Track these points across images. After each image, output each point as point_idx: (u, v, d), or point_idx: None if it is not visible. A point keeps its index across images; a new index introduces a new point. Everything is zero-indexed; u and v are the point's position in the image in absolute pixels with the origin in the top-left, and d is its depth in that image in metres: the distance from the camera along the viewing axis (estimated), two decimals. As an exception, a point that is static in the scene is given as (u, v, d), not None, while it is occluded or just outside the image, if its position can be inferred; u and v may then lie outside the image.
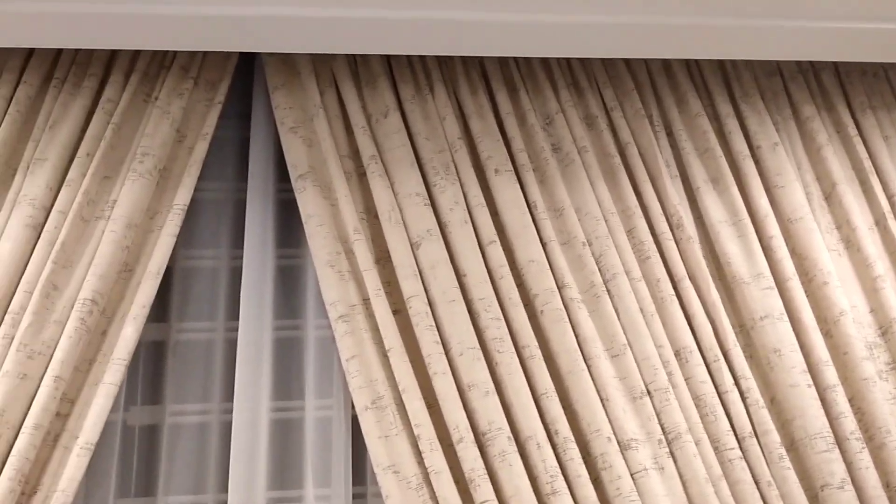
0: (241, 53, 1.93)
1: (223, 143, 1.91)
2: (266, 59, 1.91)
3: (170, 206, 1.71)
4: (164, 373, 1.68)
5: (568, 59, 2.02)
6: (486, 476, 1.49)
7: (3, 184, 1.68)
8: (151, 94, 1.82)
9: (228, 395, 1.65)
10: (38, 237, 1.62)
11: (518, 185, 1.80)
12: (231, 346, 1.70)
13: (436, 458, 1.50)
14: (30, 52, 1.82)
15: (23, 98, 1.75)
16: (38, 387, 1.48)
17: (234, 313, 1.73)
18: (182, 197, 1.71)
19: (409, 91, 1.89)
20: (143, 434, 1.62)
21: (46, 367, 1.50)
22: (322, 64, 1.91)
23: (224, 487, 1.58)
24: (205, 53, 1.88)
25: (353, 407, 1.62)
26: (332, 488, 1.58)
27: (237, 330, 1.70)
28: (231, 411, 1.63)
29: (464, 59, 1.97)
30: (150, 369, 1.68)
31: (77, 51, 1.84)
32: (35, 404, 1.46)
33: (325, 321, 1.71)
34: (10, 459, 1.41)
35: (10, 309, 1.53)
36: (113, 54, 1.85)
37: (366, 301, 1.66)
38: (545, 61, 2.01)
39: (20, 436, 1.43)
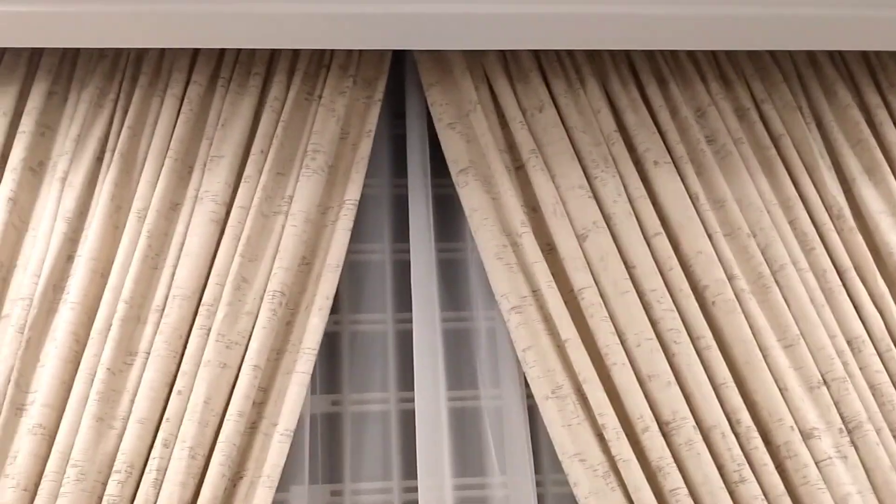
0: (393, 51, 1.98)
1: (375, 139, 1.96)
2: (419, 56, 1.97)
3: (341, 201, 1.77)
4: (340, 363, 1.73)
5: (714, 52, 2.05)
6: (674, 464, 1.53)
7: (182, 180, 1.75)
8: (314, 93, 1.88)
9: (403, 384, 1.71)
10: (222, 232, 1.68)
11: (678, 177, 1.83)
12: (400, 336, 1.76)
13: (623, 447, 1.54)
14: (195, 52, 1.89)
15: (194, 97, 1.82)
16: (237, 375, 1.55)
17: (401, 305, 1.79)
18: (352, 192, 1.77)
19: (562, 86, 1.93)
20: (323, 422, 1.68)
21: (243, 357, 1.56)
22: (473, 60, 1.96)
23: (407, 473, 1.63)
24: (360, 52, 1.94)
25: (527, 396, 1.67)
26: (509, 476, 1.63)
27: (406, 321, 1.76)
28: (407, 400, 1.69)
29: (612, 53, 2.01)
30: (325, 359, 1.73)
31: (239, 51, 1.91)
32: (236, 392, 1.52)
33: (491, 312, 1.77)
34: (219, 445, 1.47)
35: (203, 301, 1.60)
36: (273, 54, 1.91)
37: (535, 292, 1.71)
38: (691, 54, 2.03)
39: (225, 423, 1.49)
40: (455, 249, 1.87)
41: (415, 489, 1.61)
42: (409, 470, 1.63)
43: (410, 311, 1.75)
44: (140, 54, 1.89)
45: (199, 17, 1.79)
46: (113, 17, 1.76)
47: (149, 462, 1.46)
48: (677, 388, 1.60)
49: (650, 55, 2.02)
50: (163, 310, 1.59)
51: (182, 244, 1.66)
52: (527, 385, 1.67)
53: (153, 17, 1.78)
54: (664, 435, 1.56)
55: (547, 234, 1.77)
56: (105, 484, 1.44)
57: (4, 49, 1.84)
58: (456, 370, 1.73)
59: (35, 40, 1.79)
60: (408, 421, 1.68)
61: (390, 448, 1.65)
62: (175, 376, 1.54)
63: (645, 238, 1.76)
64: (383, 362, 1.73)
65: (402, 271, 1.82)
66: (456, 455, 1.63)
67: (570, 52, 2.00)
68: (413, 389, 1.68)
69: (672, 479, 1.52)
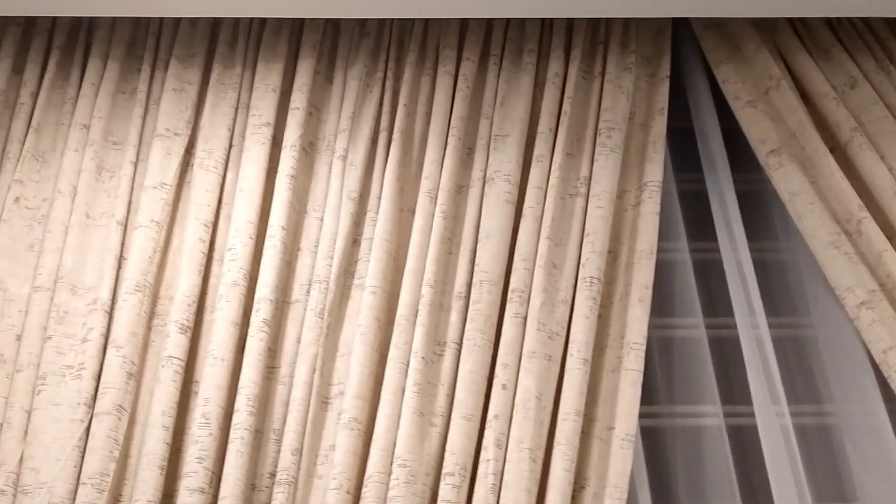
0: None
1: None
2: (702, 33, 1.84)
3: (639, 184, 1.63)
4: (652, 370, 1.55)
5: None
6: None
7: (463, 161, 1.63)
8: (592, 71, 1.76)
9: (726, 396, 1.52)
10: (519, 214, 1.55)
11: None
12: (714, 344, 1.58)
13: None
14: (462, 30, 1.80)
15: (469, 75, 1.72)
16: (562, 370, 1.38)
17: (709, 309, 1.61)
18: (653, 173, 1.63)
19: (870, 62, 1.78)
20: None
21: (565, 350, 1.40)
22: (764, 35, 1.82)
23: (749, 499, 1.43)
24: (637, 28, 1.82)
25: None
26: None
27: (716, 327, 1.59)
28: (734, 414, 1.50)
29: (920, 26, 1.85)
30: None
31: (507, 25, 1.80)
32: (568, 388, 1.35)
33: (820, 318, 1.58)
34: (558, 448, 1.30)
35: (511, 287, 1.45)
36: (543, 31, 1.81)
37: (883, 285, 1.52)
38: None
39: (562, 422, 1.32)
40: (762, 249, 1.69)
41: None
42: (749, 493, 1.43)
43: (718, 315, 1.60)
44: (402, 34, 1.80)
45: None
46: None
47: (480, 464, 1.29)
48: None
49: (971, 28, 1.85)
50: (466, 296, 1.44)
51: (477, 226, 1.52)
52: (886, 397, 1.47)
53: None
54: None
55: (884, 219, 1.59)
56: (434, 488, 1.27)
57: (264, 20, 1.77)
58: (789, 381, 1.53)
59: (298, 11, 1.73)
60: (736, 437, 1.49)
61: (727, 468, 1.44)
62: (492, 369, 1.38)
63: None
64: (701, 371, 1.54)
65: (703, 271, 1.65)
66: (810, 479, 1.41)
67: (869, 27, 1.84)
68: (738, 402, 1.50)
69: None
